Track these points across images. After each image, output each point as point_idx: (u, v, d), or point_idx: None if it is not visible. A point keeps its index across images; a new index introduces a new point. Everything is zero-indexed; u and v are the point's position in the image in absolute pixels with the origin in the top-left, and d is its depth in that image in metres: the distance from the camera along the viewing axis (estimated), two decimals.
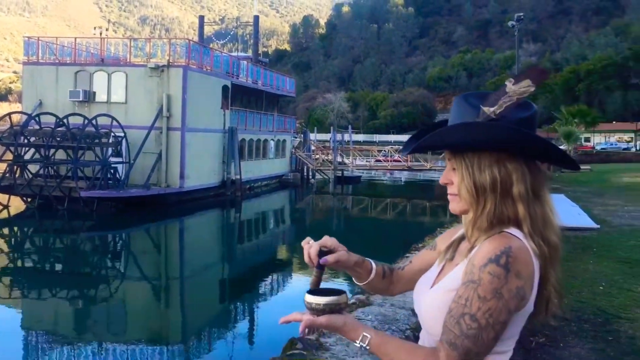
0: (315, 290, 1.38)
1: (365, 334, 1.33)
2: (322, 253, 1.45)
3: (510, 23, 37.59)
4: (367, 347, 1.32)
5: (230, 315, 12.28)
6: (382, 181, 49.12)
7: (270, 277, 15.72)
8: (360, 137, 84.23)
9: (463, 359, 1.25)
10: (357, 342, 1.33)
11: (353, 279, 1.61)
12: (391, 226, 25.18)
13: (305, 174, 42.33)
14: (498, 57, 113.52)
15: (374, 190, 42.54)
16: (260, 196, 34.08)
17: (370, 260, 1.61)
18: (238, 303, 13.22)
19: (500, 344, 1.30)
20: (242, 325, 11.53)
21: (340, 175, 40.05)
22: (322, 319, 1.33)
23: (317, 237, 1.52)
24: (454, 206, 1.41)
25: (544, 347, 4.72)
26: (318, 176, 42.83)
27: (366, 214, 29.89)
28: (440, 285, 1.39)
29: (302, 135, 47.15)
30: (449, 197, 1.43)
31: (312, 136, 54.26)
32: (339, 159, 40.81)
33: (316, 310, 1.34)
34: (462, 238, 1.46)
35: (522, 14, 38.62)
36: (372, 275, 1.58)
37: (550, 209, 1.37)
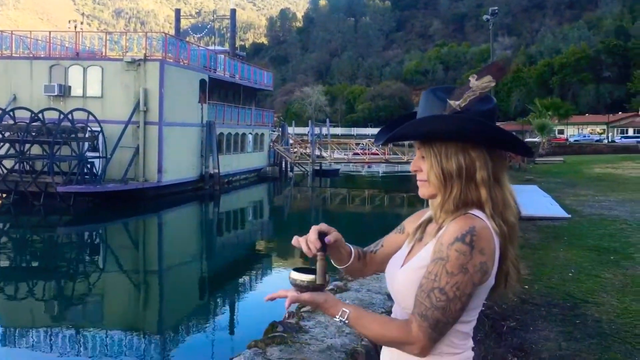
0: (300, 268, 1.49)
1: (344, 309, 1.46)
2: (321, 237, 1.52)
3: (485, 17, 37.95)
4: (347, 322, 1.45)
5: (210, 305, 12.38)
6: (360, 174, 49.36)
7: (249, 268, 15.83)
8: (338, 131, 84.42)
9: (433, 328, 1.41)
10: (337, 317, 1.46)
11: (333, 262, 1.70)
12: (369, 217, 25.41)
13: (283, 167, 42.38)
14: (474, 51, 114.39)
15: (352, 183, 42.76)
16: (239, 190, 34.08)
17: (348, 244, 1.72)
18: (218, 294, 13.31)
19: (466, 314, 1.46)
20: (223, 314, 11.64)
21: (319, 168, 40.20)
22: (306, 296, 1.46)
23: (297, 230, 1.62)
24: (423, 191, 1.56)
25: (515, 330, 4.91)
26: (296, 169, 42.93)
27: (344, 206, 30.08)
28: (411, 264, 1.53)
29: (280, 129, 47.15)
30: (418, 183, 1.57)
31: (290, 130, 54.27)
32: (317, 152, 40.93)
33: (300, 287, 1.47)
34: (429, 220, 1.60)
35: (496, 7, 38.98)
36: (352, 258, 1.68)
37: (509, 193, 1.53)
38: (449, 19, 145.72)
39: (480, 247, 1.40)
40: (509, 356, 4.33)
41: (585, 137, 69.20)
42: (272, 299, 1.50)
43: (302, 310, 3.30)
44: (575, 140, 61.90)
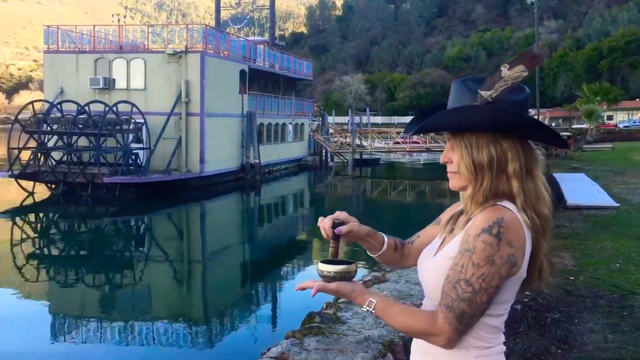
0: (329, 260, 1.52)
1: (371, 299, 1.47)
2: (335, 225, 1.57)
3: (529, 1, 37.02)
4: (373, 311, 1.47)
5: (251, 294, 12.52)
6: (401, 163, 49.00)
7: (289, 258, 15.93)
8: (379, 119, 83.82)
9: (459, 320, 1.40)
10: (364, 306, 1.48)
11: (367, 251, 1.74)
12: (410, 207, 25.23)
13: (323, 157, 42.39)
14: (518, 36, 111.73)
15: (393, 173, 42.49)
16: (279, 179, 34.29)
17: (382, 233, 1.74)
18: (259, 283, 13.44)
19: (495, 307, 1.45)
20: (263, 304, 11.77)
21: (359, 157, 40.01)
22: (332, 285, 1.48)
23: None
24: (454, 183, 1.55)
25: (559, 322, 4.80)
26: (336, 159, 42.88)
27: (385, 196, 29.93)
28: (441, 255, 1.53)
29: (320, 119, 47.12)
30: (448, 174, 1.56)
31: (330, 119, 54.21)
32: (357, 141, 40.77)
33: (327, 278, 1.49)
34: (461, 212, 1.59)
35: None
36: (385, 247, 1.71)
37: (542, 184, 1.50)
38: (492, 4, 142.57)
39: (507, 238, 1.39)
40: (553, 348, 4.24)
41: (635, 123, 66.86)
42: (302, 289, 1.53)
43: (340, 301, 3.29)
44: (625, 127, 59.89)
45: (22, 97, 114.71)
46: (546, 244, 1.48)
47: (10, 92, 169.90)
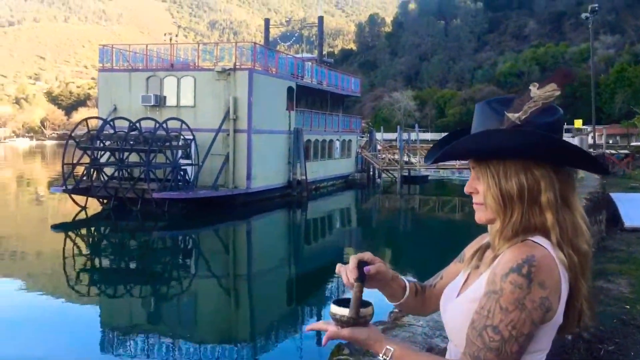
0: (342, 301, 1.36)
1: (388, 347, 1.32)
2: (360, 266, 1.41)
3: (584, 15, 36.09)
4: None
5: (297, 312, 12.45)
6: (450, 181, 48.29)
7: (335, 277, 15.74)
8: (428, 136, 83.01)
9: None
10: (381, 355, 1.32)
11: (387, 298, 1.57)
12: (460, 226, 24.67)
13: (371, 173, 42.18)
14: (573, 51, 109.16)
15: (442, 190, 41.86)
16: (326, 196, 34.23)
17: (402, 277, 1.57)
18: (304, 302, 13.35)
19: (528, 357, 1.27)
20: (305, 323, 11.62)
21: (407, 174, 39.62)
22: (345, 332, 1.33)
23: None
24: (480, 215, 1.38)
25: (613, 355, 4.50)
26: (384, 176, 42.58)
27: (434, 214, 29.45)
28: (465, 295, 1.37)
29: (368, 135, 46.97)
30: (474, 206, 1.40)
31: (379, 135, 54.00)
32: (405, 158, 40.38)
33: (340, 322, 1.34)
34: (488, 246, 1.42)
35: (596, 5, 36.97)
36: (407, 293, 1.55)
37: (580, 216, 1.33)
38: (545, 19, 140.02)
39: (540, 279, 1.21)
40: None
41: None
42: (312, 330, 1.40)
43: None
44: None
45: (80, 114, 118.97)
46: (586, 284, 1.31)
47: (70, 109, 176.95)
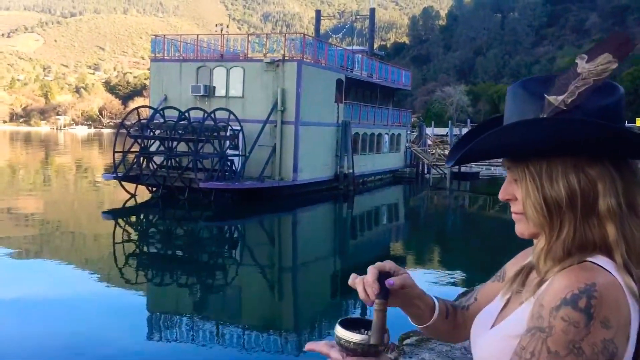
0: (350, 321, 1.07)
1: None
2: (381, 278, 1.10)
3: None
4: None
5: (340, 305, 12.23)
6: (502, 177, 47.08)
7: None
8: None
9: None
10: None
11: (411, 320, 1.25)
12: (512, 228, 23.90)
13: (420, 169, 41.50)
14: (637, 47, 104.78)
15: (493, 187, 40.74)
16: (373, 191, 33.80)
17: (431, 295, 1.25)
18: (348, 295, 13.12)
19: None
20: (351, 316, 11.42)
21: (457, 170, 38.76)
22: None
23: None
24: (521, 228, 1.06)
25: None
26: (434, 171, 41.81)
27: (484, 212, 28.68)
28: (502, 327, 1.05)
29: (418, 130, 46.23)
30: (513, 216, 1.07)
31: (429, 130, 53.11)
32: None
33: (346, 348, 1.04)
34: (533, 265, 1.08)
35: None
36: (437, 313, 1.22)
37: None
38: (607, 12, 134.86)
39: (603, 315, 0.88)
40: None
41: None
42: (312, 351, 1.09)
43: (405, 342, 2.80)
44: None
45: (136, 103, 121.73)
46: None
47: (126, 99, 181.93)
